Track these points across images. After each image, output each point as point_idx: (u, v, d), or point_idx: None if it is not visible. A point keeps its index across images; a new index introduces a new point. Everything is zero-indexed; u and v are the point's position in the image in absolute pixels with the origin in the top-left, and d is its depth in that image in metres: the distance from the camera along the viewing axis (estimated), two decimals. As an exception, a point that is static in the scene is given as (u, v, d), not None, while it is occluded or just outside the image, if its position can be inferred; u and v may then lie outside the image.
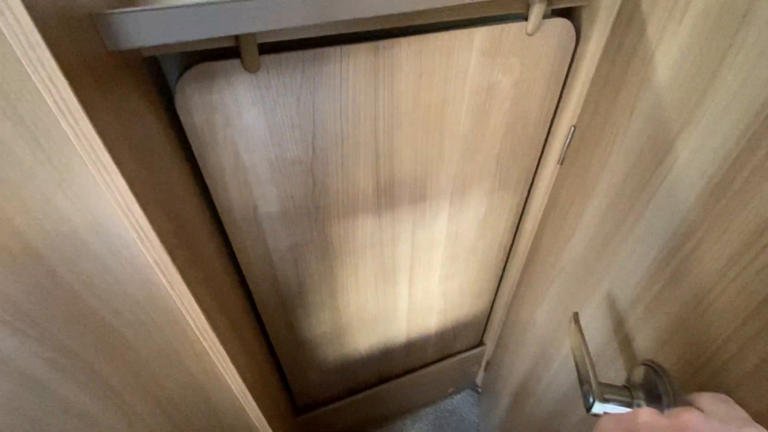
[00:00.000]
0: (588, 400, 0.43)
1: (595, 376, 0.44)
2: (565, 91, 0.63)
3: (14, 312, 0.29)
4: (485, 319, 1.07)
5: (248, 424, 0.57)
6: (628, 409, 0.43)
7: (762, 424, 0.31)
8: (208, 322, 0.40)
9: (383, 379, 1.06)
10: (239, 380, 0.49)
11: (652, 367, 0.45)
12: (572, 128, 0.63)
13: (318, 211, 0.60)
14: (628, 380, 0.48)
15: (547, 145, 0.70)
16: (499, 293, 1.00)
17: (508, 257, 0.91)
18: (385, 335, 0.92)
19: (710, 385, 0.42)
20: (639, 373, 0.46)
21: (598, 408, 0.42)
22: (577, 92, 0.60)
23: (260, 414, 0.57)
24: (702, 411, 0.33)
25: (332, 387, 0.99)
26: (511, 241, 0.87)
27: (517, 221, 0.82)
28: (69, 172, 0.26)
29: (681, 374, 0.45)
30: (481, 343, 1.15)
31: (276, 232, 0.60)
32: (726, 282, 0.40)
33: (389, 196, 0.64)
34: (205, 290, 0.43)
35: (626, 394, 0.44)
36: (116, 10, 0.29)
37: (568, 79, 0.62)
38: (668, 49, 0.44)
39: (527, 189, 0.76)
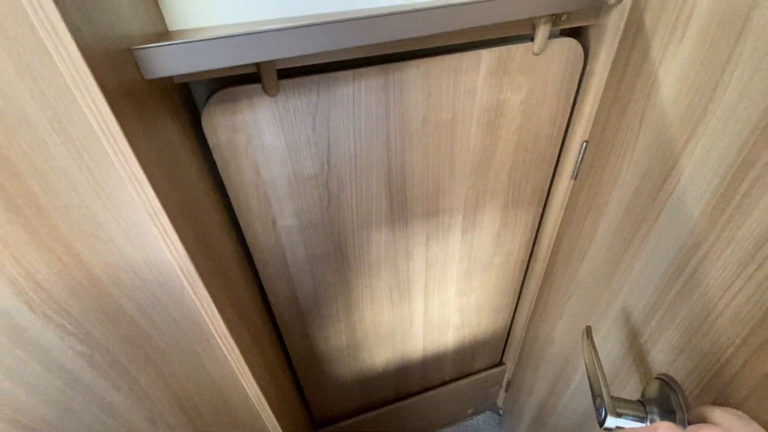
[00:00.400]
0: (600, 415, 0.43)
1: (608, 390, 0.43)
2: (576, 107, 0.64)
3: (57, 309, 0.32)
4: (504, 337, 1.06)
5: (264, 433, 0.59)
6: (642, 424, 0.42)
7: None
8: (227, 327, 0.43)
9: (400, 397, 1.06)
10: (255, 386, 0.51)
11: (665, 381, 0.44)
12: (584, 144, 0.64)
13: (333, 225, 0.63)
14: (643, 395, 0.47)
15: (560, 160, 0.70)
16: (518, 310, 0.99)
17: (525, 273, 0.90)
18: (402, 350, 0.93)
19: (722, 397, 0.41)
20: (653, 388, 0.46)
21: (611, 422, 0.42)
22: (588, 108, 0.61)
23: (276, 423, 0.58)
24: (718, 426, 0.32)
25: (349, 402, 1.00)
26: (528, 257, 0.86)
27: (533, 236, 0.82)
28: (107, 183, 0.30)
29: (693, 387, 0.45)
30: (501, 363, 1.13)
31: (293, 244, 0.63)
32: (733, 293, 0.40)
33: (402, 210, 0.66)
34: (226, 297, 0.46)
35: (640, 408, 0.43)
36: (151, 44, 0.34)
37: (579, 96, 0.63)
38: (671, 66, 0.45)
39: (542, 204, 0.77)
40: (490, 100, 0.58)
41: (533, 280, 0.87)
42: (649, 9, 0.47)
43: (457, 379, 1.09)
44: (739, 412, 0.35)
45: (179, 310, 0.39)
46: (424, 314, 0.87)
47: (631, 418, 0.43)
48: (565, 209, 0.72)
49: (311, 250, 0.65)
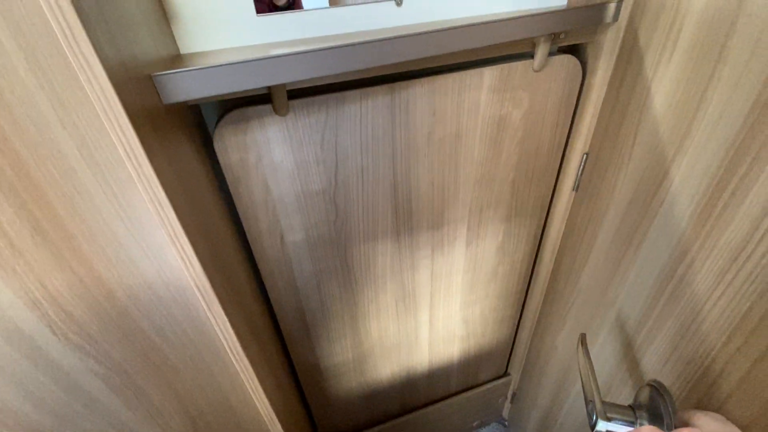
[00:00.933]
0: (592, 419, 0.45)
1: (599, 395, 0.46)
2: (576, 120, 0.65)
3: (78, 331, 0.33)
4: (509, 348, 1.06)
5: (274, 450, 0.59)
6: (631, 428, 0.44)
7: None
8: (241, 343, 0.43)
9: (406, 410, 1.05)
10: (267, 403, 0.51)
11: (655, 386, 0.46)
12: (584, 156, 0.65)
13: (340, 239, 0.64)
14: (635, 400, 0.49)
15: (562, 172, 0.72)
16: (522, 321, 0.99)
17: (529, 283, 0.91)
18: (407, 363, 0.93)
19: (705, 400, 0.44)
20: (645, 393, 0.48)
21: (601, 426, 0.44)
22: (587, 122, 0.62)
23: (285, 439, 0.58)
24: (698, 428, 0.36)
25: (354, 416, 0.99)
26: (531, 267, 0.87)
27: (536, 247, 0.83)
28: (130, 206, 0.30)
29: (680, 391, 0.48)
30: (506, 374, 1.13)
31: (301, 259, 0.64)
32: (714, 300, 0.43)
33: (408, 223, 0.67)
34: (238, 313, 0.46)
35: (629, 413, 0.45)
36: (172, 71, 0.35)
37: (578, 110, 0.64)
38: (662, 82, 0.47)
39: (544, 215, 0.78)
40: (492, 115, 0.60)
41: (537, 290, 0.88)
42: (643, 27, 0.49)
43: (463, 391, 1.09)
44: (718, 415, 0.38)
45: (194, 328, 0.40)
46: (430, 326, 0.87)
47: (620, 422, 0.45)
48: (567, 220, 0.73)
49: (318, 264, 0.66)
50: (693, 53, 0.43)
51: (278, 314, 0.69)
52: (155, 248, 0.33)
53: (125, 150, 0.28)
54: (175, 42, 0.47)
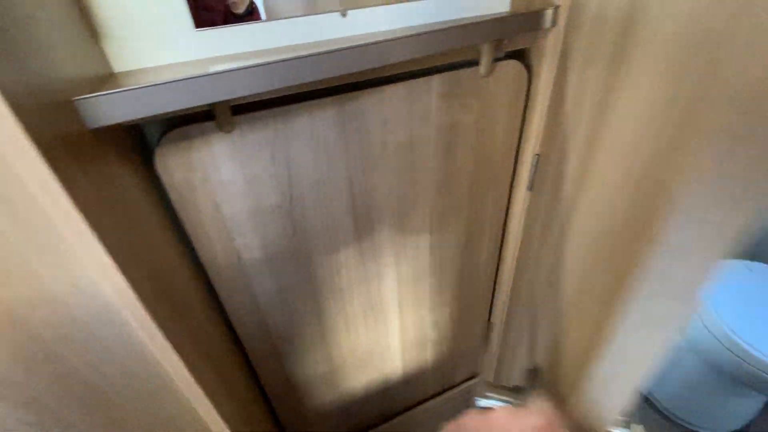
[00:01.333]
0: (474, 397, 0.48)
1: (483, 377, 0.52)
2: (526, 123, 0.67)
3: (2, 380, 0.30)
4: (483, 347, 1.07)
5: (242, 478, 0.56)
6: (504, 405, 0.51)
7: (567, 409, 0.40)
8: (191, 373, 0.41)
9: (385, 418, 1.04)
10: (227, 430, 0.49)
11: (532, 370, 0.52)
12: (536, 156, 0.67)
13: (300, 254, 0.62)
14: (522, 382, 0.56)
15: (516, 173, 0.73)
16: (491, 319, 1.00)
17: (495, 283, 0.92)
18: (381, 371, 0.92)
19: (557, 382, 0.51)
20: (529, 376, 0.53)
21: (479, 403, 0.53)
22: (536, 124, 0.64)
23: (254, 465, 0.56)
24: (521, 406, 0.41)
25: (331, 430, 0.97)
26: (495, 268, 0.88)
27: (498, 248, 0.84)
28: (50, 243, 0.28)
29: (547, 374, 0.55)
30: (481, 372, 1.14)
31: (261, 277, 0.62)
32: (564, 289, 0.47)
33: (369, 233, 0.66)
34: (189, 343, 0.44)
35: (505, 393, 0.53)
36: (95, 94, 0.33)
37: (527, 113, 0.66)
38: (588, 83, 0.52)
39: (503, 217, 0.79)
40: (444, 122, 0.60)
41: (503, 289, 0.89)
42: (576, 31, 0.52)
43: (440, 393, 1.09)
44: (547, 398, 0.43)
45: (137, 363, 0.38)
46: (401, 333, 0.87)
47: (497, 401, 0.53)
48: (525, 220, 0.75)
49: (280, 282, 0.64)
50: (608, 54, 0.46)
51: (241, 335, 0.67)
52: (84, 284, 0.31)
53: (37, 185, 0.26)
54: (107, 61, 0.44)
